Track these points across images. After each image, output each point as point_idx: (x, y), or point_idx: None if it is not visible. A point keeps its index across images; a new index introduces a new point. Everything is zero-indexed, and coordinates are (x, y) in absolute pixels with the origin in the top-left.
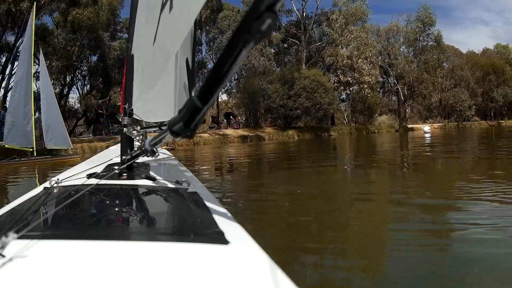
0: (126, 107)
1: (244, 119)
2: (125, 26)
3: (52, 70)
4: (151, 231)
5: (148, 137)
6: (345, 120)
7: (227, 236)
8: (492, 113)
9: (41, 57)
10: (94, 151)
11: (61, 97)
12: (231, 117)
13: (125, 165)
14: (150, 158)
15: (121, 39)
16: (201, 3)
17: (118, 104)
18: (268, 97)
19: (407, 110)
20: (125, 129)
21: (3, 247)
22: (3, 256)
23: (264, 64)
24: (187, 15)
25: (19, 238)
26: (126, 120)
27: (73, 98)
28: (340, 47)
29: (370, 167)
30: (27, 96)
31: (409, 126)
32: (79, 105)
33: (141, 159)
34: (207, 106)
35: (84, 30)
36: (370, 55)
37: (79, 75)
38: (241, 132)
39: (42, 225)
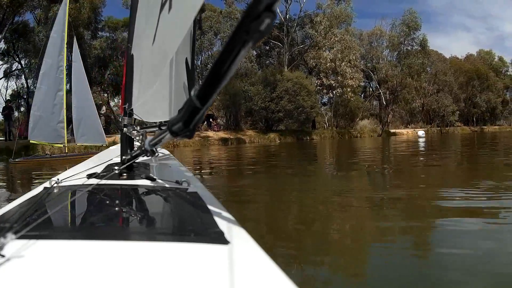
0: (126, 107)
1: (224, 121)
2: (107, 25)
3: (31, 68)
4: (151, 231)
5: (148, 137)
6: (326, 124)
7: (227, 236)
8: (474, 119)
9: (75, 47)
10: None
11: None
12: (211, 119)
13: (125, 165)
14: (150, 158)
15: (101, 38)
16: (200, 3)
17: (99, 103)
18: (249, 99)
19: (389, 115)
20: (125, 129)
21: (2, 247)
22: (3, 256)
23: (246, 66)
24: (186, 15)
25: (19, 238)
26: (126, 120)
27: None
28: (323, 49)
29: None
30: (56, 89)
31: (392, 130)
32: None
33: (141, 159)
34: (206, 106)
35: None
36: (354, 58)
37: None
38: (221, 134)
39: (41, 225)
